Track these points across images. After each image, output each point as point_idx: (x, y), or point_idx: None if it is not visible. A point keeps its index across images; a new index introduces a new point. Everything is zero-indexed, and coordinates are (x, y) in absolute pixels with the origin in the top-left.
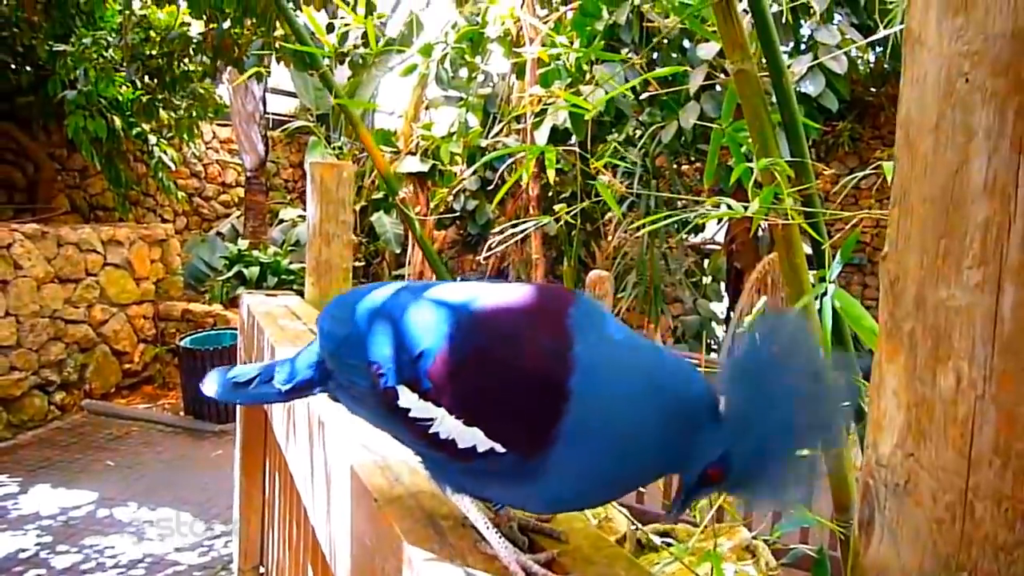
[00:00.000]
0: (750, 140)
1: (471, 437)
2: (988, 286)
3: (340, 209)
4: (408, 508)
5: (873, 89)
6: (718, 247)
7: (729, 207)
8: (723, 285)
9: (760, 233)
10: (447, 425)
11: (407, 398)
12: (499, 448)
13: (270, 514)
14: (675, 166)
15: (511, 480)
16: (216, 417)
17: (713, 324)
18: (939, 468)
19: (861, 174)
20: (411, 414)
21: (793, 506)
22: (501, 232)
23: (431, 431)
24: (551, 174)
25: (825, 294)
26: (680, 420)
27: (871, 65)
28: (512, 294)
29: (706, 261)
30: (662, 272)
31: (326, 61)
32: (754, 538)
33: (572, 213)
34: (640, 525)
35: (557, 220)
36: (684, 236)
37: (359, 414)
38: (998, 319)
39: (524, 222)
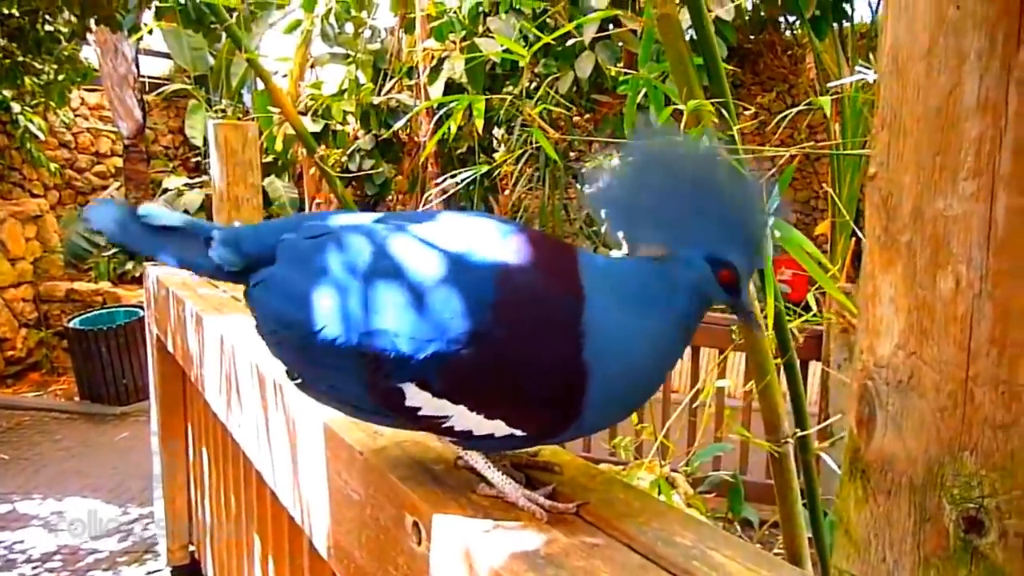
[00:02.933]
0: (670, 85)
1: (491, 427)
2: (982, 194)
3: (248, 171)
4: (395, 457)
5: (752, 36)
6: None
7: None
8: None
9: None
10: (465, 420)
11: (416, 397)
12: (520, 432)
13: (199, 490)
14: (570, 118)
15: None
16: (116, 399)
17: None
18: (941, 362)
19: (795, 109)
20: (421, 412)
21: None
22: (400, 192)
23: (444, 426)
24: (479, 123)
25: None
26: (669, 281)
27: (749, 13)
28: (516, 255)
29: None
30: (563, 222)
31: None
32: (673, 471)
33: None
34: None
35: (478, 179)
36: (582, 187)
37: (335, 407)
38: (992, 224)
39: (455, 175)
